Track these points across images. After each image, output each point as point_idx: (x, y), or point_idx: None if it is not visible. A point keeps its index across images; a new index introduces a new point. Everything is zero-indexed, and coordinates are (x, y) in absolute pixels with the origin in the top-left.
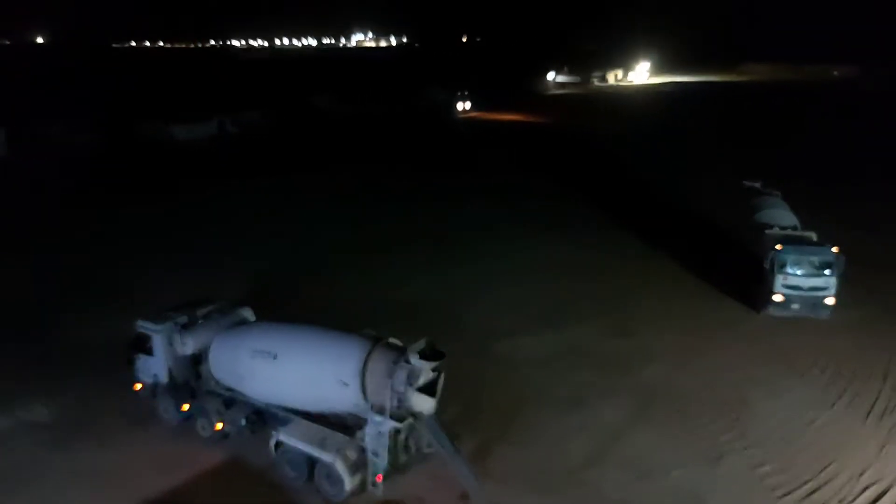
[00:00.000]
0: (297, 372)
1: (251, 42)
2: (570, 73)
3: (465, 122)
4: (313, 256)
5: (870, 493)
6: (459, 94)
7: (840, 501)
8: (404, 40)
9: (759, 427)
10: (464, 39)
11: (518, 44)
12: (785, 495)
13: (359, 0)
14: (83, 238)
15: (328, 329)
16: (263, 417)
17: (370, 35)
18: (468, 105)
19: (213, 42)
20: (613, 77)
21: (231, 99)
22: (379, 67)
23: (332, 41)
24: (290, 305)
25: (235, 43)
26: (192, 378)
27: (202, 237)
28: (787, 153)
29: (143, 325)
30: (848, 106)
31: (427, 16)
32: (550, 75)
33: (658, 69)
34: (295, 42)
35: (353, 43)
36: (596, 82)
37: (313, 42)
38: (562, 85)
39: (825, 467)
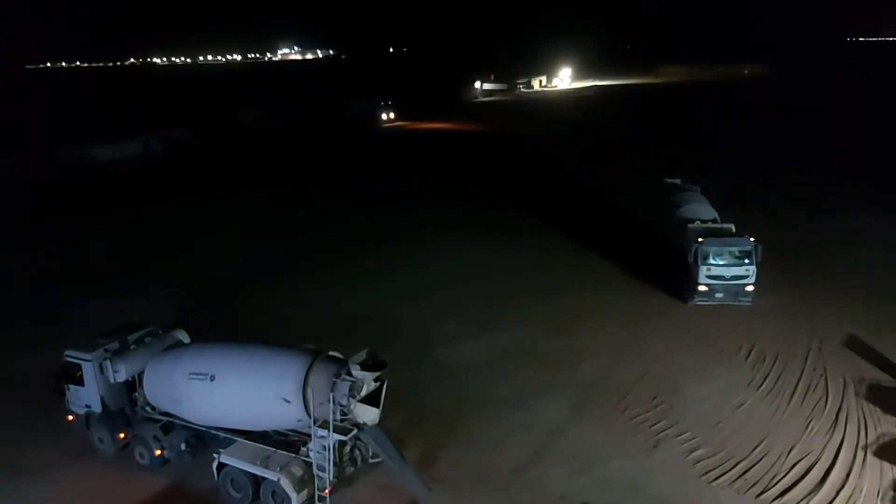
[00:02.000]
0: (236, 392)
1: (173, 59)
2: (496, 80)
3: (390, 131)
4: (246, 273)
5: (799, 469)
6: (383, 103)
7: (771, 479)
8: (330, 52)
9: (692, 414)
10: (390, 50)
11: (444, 53)
12: (718, 478)
13: (283, 14)
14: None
15: (266, 346)
16: (204, 440)
17: (296, 48)
18: (392, 114)
19: (133, 60)
20: (538, 83)
21: (156, 117)
22: (305, 80)
23: (258, 55)
24: (226, 325)
25: (157, 60)
26: (126, 405)
27: (129, 260)
28: (702, 149)
29: (72, 355)
30: (757, 103)
31: (353, 28)
32: (477, 84)
33: (580, 74)
34: (219, 57)
35: (278, 56)
36: (522, 89)
37: (238, 57)
38: (489, 93)
39: (755, 447)
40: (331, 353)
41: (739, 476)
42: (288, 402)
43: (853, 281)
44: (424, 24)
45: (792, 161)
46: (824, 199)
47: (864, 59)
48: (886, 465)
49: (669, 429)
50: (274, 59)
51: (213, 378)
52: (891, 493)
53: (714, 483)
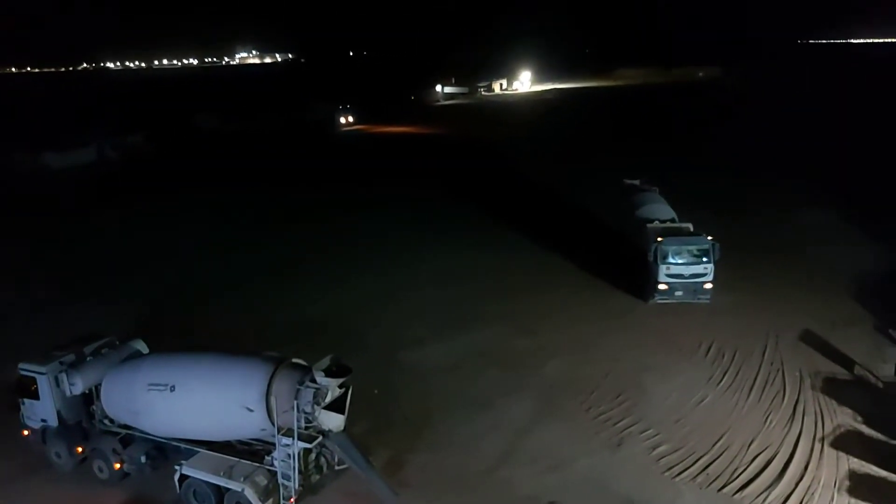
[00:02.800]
0: (197, 402)
1: (127, 63)
2: (457, 84)
3: (350, 135)
4: (205, 281)
5: (759, 462)
6: (341, 107)
7: (733, 472)
8: (290, 56)
9: (654, 410)
10: (350, 54)
11: (405, 57)
12: (681, 473)
13: (240, 18)
14: None
15: (227, 354)
16: (165, 452)
17: (254, 52)
18: (351, 118)
19: (85, 65)
20: (499, 87)
21: (111, 122)
22: (264, 84)
23: (215, 59)
24: (185, 334)
25: (110, 65)
26: (84, 419)
27: (84, 268)
28: (659, 149)
29: (26, 368)
30: (711, 104)
31: (312, 32)
32: (438, 87)
33: (539, 77)
34: (175, 62)
35: (236, 60)
36: (483, 92)
37: (195, 61)
38: (450, 96)
39: (716, 442)
40: (294, 360)
41: (701, 471)
42: (251, 410)
43: (806, 276)
44: (385, 29)
45: (746, 161)
46: (776, 198)
47: (815, 60)
48: (843, 455)
49: (633, 426)
50: (232, 62)
51: (173, 388)
52: (847, 483)
53: (677, 478)
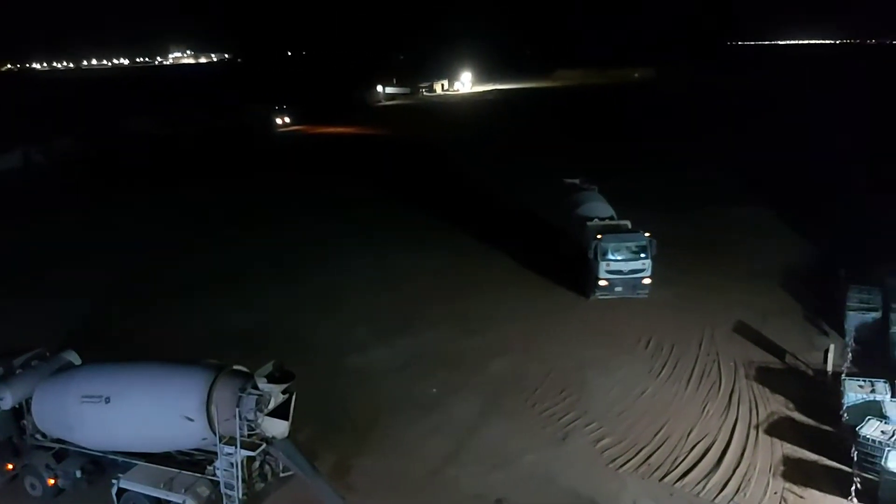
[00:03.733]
0: (134, 413)
1: (55, 64)
2: (398, 84)
3: (286, 136)
4: (139, 288)
5: (698, 450)
6: (277, 108)
7: (674, 461)
8: (226, 56)
9: (598, 404)
10: (289, 54)
11: (345, 57)
12: (624, 464)
13: (174, 17)
14: None
15: (165, 363)
16: (101, 466)
17: (188, 52)
18: (287, 119)
19: (9, 66)
20: (440, 87)
21: (37, 126)
22: (199, 84)
23: (147, 59)
24: (119, 344)
25: (36, 66)
26: (14, 434)
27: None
28: (597, 149)
29: None
30: (647, 104)
31: (249, 31)
32: (380, 87)
33: (481, 78)
34: (105, 62)
35: (169, 60)
36: (424, 93)
37: (125, 61)
38: (392, 96)
39: (657, 433)
40: (235, 366)
41: (644, 461)
42: (191, 420)
43: (738, 270)
44: (325, 29)
45: (681, 159)
46: (708, 195)
47: (744, 61)
48: (777, 441)
49: (577, 420)
50: (165, 63)
51: (108, 400)
52: (781, 467)
53: (620, 470)
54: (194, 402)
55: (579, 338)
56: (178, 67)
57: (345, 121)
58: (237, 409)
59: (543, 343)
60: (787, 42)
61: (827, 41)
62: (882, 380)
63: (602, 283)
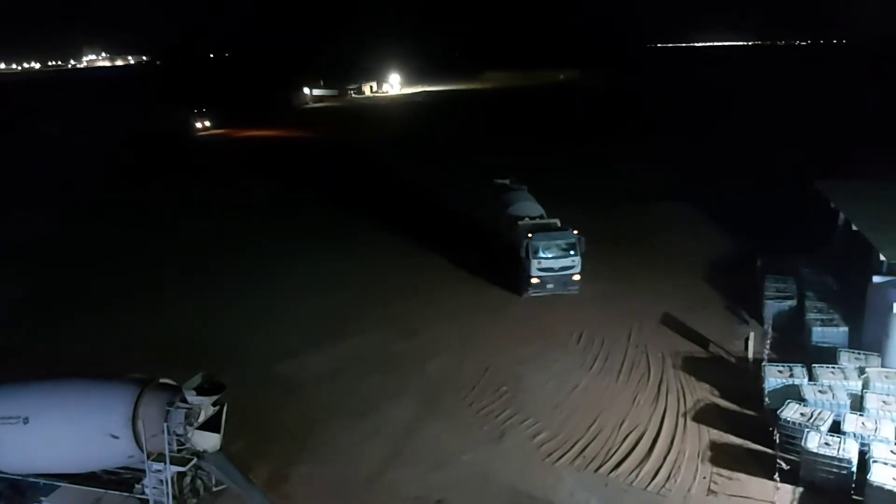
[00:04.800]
0: (55, 433)
1: None
2: (326, 86)
3: (206, 140)
4: (55, 300)
5: (630, 440)
6: (196, 111)
7: (607, 452)
8: (144, 59)
9: (533, 400)
10: (211, 56)
11: (271, 59)
12: (560, 458)
13: (87, 18)
14: None
15: (86, 380)
16: (21, 489)
17: (104, 54)
18: (207, 122)
19: None
20: (369, 89)
21: None
22: (115, 88)
23: (59, 62)
24: (36, 362)
25: None
26: None
27: None
28: (526, 149)
29: None
30: (573, 104)
31: (168, 33)
32: (306, 89)
33: (410, 80)
34: (14, 66)
35: (83, 63)
36: (353, 95)
37: (36, 65)
38: (319, 98)
39: (591, 425)
40: (162, 380)
41: (579, 454)
42: (116, 437)
43: (664, 264)
44: (248, 29)
45: (607, 158)
46: (635, 191)
47: (662, 62)
48: (704, 428)
49: (514, 417)
50: (79, 66)
51: (26, 421)
52: (709, 453)
53: (557, 463)
54: (119, 418)
55: (514, 335)
56: (93, 70)
57: (271, 123)
58: (165, 424)
59: (479, 342)
60: (704, 44)
61: (740, 42)
62: (799, 364)
63: (534, 280)
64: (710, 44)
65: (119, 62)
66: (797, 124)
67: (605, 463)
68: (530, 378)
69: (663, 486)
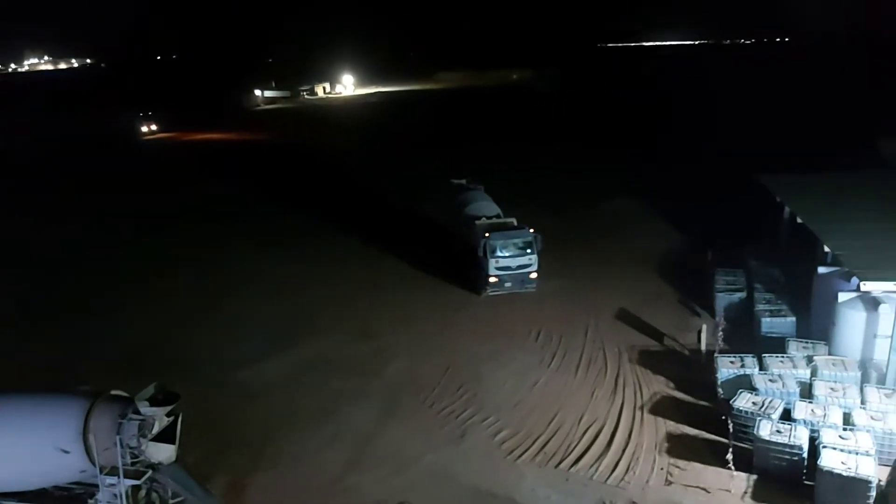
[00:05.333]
0: (1, 450)
1: None
2: (278, 87)
3: (153, 144)
4: None
5: (590, 434)
6: (142, 114)
7: (567, 447)
8: (88, 61)
9: (493, 399)
10: (158, 58)
11: (220, 60)
12: (522, 454)
13: (30, 21)
14: None
15: (33, 393)
16: None
17: (46, 57)
18: (154, 126)
19: None
20: (322, 90)
21: None
22: (58, 92)
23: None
24: None
25: None
26: None
27: None
28: (482, 149)
29: None
30: (527, 104)
31: (113, 35)
32: (258, 91)
33: (364, 80)
34: None
35: (25, 67)
36: (305, 96)
37: None
38: (271, 100)
39: (550, 421)
40: (113, 392)
41: (539, 450)
42: (67, 452)
43: (618, 260)
44: (196, 31)
45: (561, 157)
46: (588, 188)
47: (611, 62)
48: (660, 420)
49: (475, 416)
50: (20, 69)
51: None
52: (666, 444)
53: (518, 461)
54: (69, 432)
55: (473, 335)
56: (35, 74)
57: (221, 126)
58: (118, 437)
59: (438, 342)
60: (654, 44)
61: (687, 42)
62: (750, 355)
63: (492, 279)
64: (659, 43)
65: (63, 65)
66: (743, 120)
67: (566, 458)
68: (490, 377)
69: (622, 478)
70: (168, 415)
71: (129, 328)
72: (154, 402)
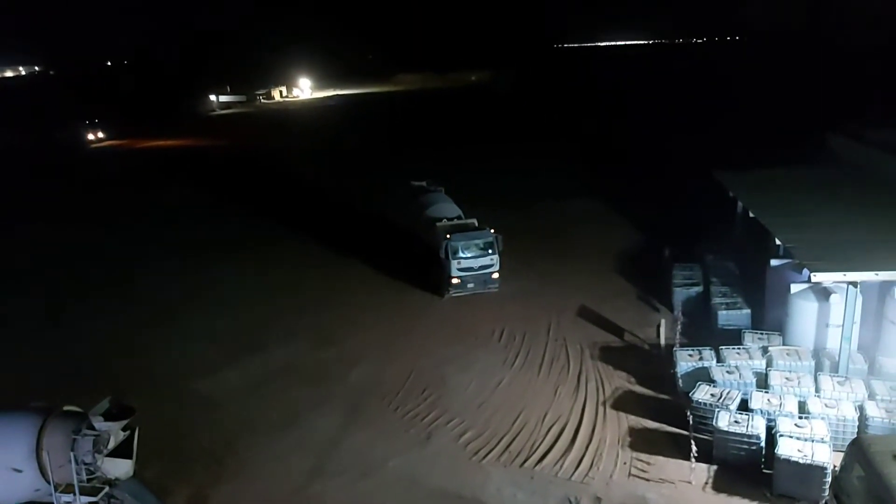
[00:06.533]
0: None
1: None
2: (233, 92)
3: (100, 152)
4: None
5: (554, 431)
6: (88, 122)
7: (532, 445)
8: (36, 69)
9: (457, 400)
10: (108, 63)
11: (172, 65)
12: (487, 454)
13: None
14: None
15: None
16: None
17: None
18: (101, 133)
19: None
20: (279, 94)
21: None
22: (3, 100)
23: None
24: None
25: None
26: None
27: None
28: (441, 152)
29: None
30: (485, 106)
31: (62, 40)
32: (213, 96)
33: (321, 83)
34: None
35: None
36: (262, 100)
37: None
38: (227, 105)
39: (515, 420)
40: (66, 407)
41: (504, 450)
42: (19, 471)
43: (578, 258)
44: (147, 36)
45: (521, 159)
46: (547, 188)
47: (570, 62)
48: (622, 414)
49: (440, 418)
50: None
51: None
52: (628, 438)
53: (483, 461)
54: (21, 450)
55: (436, 336)
56: None
57: (175, 132)
58: (72, 454)
59: (402, 346)
60: (606, 44)
61: (641, 42)
62: (708, 347)
63: (454, 280)
64: (613, 43)
65: (9, 73)
66: (697, 119)
67: (531, 456)
68: (454, 378)
69: (587, 474)
70: (124, 429)
71: (82, 341)
72: (108, 416)
